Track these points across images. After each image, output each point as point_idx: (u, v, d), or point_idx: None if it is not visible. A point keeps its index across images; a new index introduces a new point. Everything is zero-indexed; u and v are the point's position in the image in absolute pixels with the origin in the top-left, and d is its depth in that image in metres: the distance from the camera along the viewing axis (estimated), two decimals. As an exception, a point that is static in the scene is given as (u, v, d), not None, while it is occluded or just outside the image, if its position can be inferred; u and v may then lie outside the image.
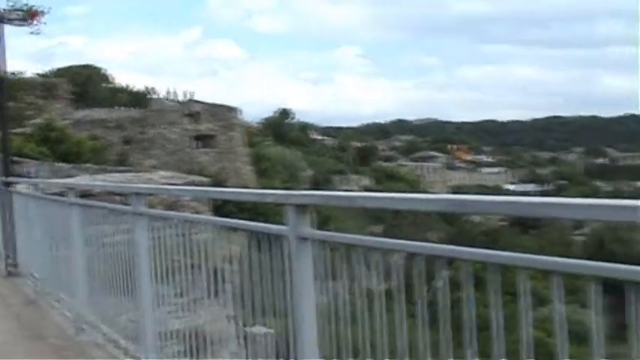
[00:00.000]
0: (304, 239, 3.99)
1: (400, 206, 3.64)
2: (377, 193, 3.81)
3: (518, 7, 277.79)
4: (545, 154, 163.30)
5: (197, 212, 12.57)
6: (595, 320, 2.47)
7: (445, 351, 3.15)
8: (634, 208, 2.28)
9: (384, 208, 3.70)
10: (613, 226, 66.55)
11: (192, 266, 5.90)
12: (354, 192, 3.70)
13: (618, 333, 2.48)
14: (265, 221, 4.69)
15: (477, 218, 78.63)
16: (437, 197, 3.34)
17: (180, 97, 60.58)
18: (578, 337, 2.80)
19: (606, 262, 2.43)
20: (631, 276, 2.32)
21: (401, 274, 3.37)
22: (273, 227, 4.37)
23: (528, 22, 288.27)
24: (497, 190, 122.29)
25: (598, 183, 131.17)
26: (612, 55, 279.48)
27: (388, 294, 3.51)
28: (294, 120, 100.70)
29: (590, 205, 2.46)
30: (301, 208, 4.02)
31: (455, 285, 3.06)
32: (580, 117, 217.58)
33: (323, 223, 4.16)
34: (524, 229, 76.08)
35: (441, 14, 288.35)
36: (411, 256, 3.30)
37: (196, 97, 58.45)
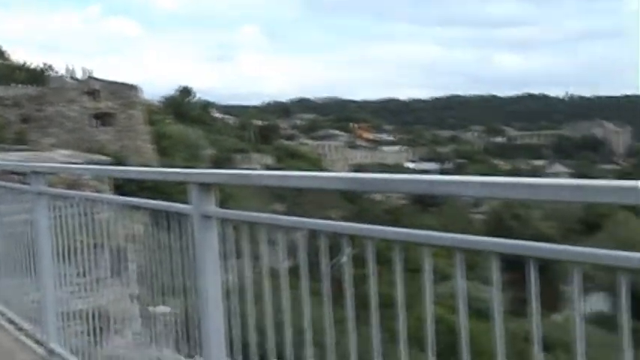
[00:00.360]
0: (208, 217, 3.98)
1: (303, 184, 3.68)
2: (280, 172, 3.85)
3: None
4: (446, 133, 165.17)
5: (98, 191, 12.41)
6: (495, 295, 2.53)
7: (349, 327, 3.19)
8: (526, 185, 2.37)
9: (287, 186, 3.72)
10: (510, 203, 67.82)
11: (95, 246, 5.85)
12: (250, 170, 3.68)
13: (518, 308, 2.55)
14: (167, 200, 4.67)
15: (378, 197, 79.25)
16: (338, 175, 3.39)
17: (80, 75, 59.67)
18: (480, 313, 2.87)
19: (506, 239, 2.51)
20: (529, 252, 2.39)
21: (304, 251, 3.41)
22: (177, 206, 4.36)
23: (424, 1, 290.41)
24: (398, 169, 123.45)
25: (496, 161, 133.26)
26: (509, 35, 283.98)
27: (292, 271, 3.55)
28: (196, 98, 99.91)
29: (484, 183, 2.53)
30: (205, 187, 4.01)
31: (359, 262, 3.11)
32: (479, 96, 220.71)
33: (224, 202, 4.16)
34: (425, 207, 77.02)
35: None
36: (313, 233, 3.35)
37: (96, 75, 57.66)
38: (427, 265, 2.85)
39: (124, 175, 7.12)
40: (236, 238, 3.89)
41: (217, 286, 4.00)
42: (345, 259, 3.22)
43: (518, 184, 2.42)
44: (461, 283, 2.71)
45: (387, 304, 3.17)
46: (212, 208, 4.00)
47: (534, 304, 2.44)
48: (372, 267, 3.09)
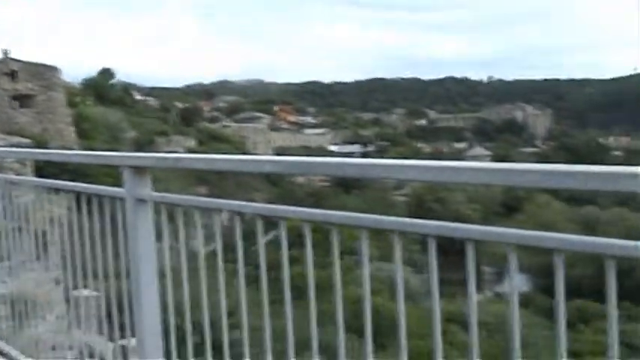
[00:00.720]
0: (143, 201, 3.98)
1: (234, 167, 3.70)
2: (211, 155, 3.85)
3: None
4: (368, 116, 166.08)
5: (19, 174, 12.24)
6: (434, 280, 2.57)
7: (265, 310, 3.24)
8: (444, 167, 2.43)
9: (217, 169, 3.74)
10: (432, 186, 68.56)
11: (16, 229, 5.79)
12: (183, 154, 3.68)
13: (440, 289, 2.58)
14: (91, 183, 4.65)
15: (300, 179, 79.47)
16: (266, 159, 3.42)
17: (-4, 56, 58.57)
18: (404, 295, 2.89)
19: (444, 222, 2.55)
20: (467, 234, 2.43)
21: (239, 233, 3.43)
22: (110, 189, 4.34)
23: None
24: (321, 151, 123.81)
25: (419, 144, 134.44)
26: (427, 19, 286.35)
27: (226, 252, 3.57)
28: (117, 80, 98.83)
29: (404, 166, 2.58)
30: (139, 170, 4.01)
31: (295, 244, 3.14)
32: (402, 79, 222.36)
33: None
34: (347, 189, 77.38)
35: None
36: (239, 215, 3.39)
37: (14, 56, 56.62)
38: (364, 249, 2.86)
39: (56, 158, 6.99)
40: (169, 221, 3.89)
41: (152, 270, 3.99)
42: (266, 239, 3.26)
43: (440, 167, 2.47)
44: (400, 267, 2.74)
45: (319, 286, 3.20)
46: (146, 191, 3.98)
47: (472, 288, 2.49)
48: (284, 249, 3.13)
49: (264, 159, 3.45)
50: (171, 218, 3.83)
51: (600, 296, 2.14)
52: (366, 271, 2.84)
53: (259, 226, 3.26)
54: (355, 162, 2.86)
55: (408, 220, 2.69)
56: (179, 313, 3.85)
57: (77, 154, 5.71)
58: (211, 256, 3.52)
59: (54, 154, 7.37)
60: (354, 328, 3.23)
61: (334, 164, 3.01)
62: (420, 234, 2.60)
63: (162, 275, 3.99)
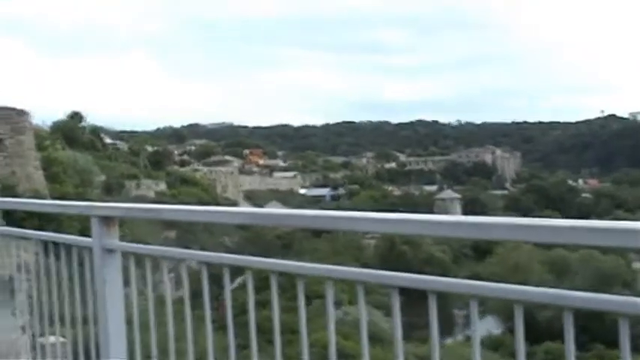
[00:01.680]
0: (111, 251, 4.01)
1: (204, 219, 3.76)
2: (179, 206, 3.91)
3: (304, 12, 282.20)
4: (338, 159, 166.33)
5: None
6: (397, 329, 2.64)
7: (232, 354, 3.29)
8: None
9: (186, 220, 3.80)
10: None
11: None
12: (151, 204, 3.64)
13: (410, 332, 2.66)
14: (58, 228, 4.69)
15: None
16: (238, 211, 3.51)
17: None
18: (373, 337, 2.98)
19: (405, 273, 2.63)
20: (430, 286, 2.52)
21: (205, 283, 3.49)
22: (78, 239, 4.35)
23: (315, 27, 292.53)
24: (291, 195, 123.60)
25: (389, 187, 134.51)
26: (394, 62, 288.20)
27: (195, 297, 3.63)
28: (86, 123, 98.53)
29: (375, 220, 2.66)
30: (107, 220, 4.04)
31: (263, 287, 3.20)
32: (371, 122, 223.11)
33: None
34: (317, 233, 77.28)
35: (225, 16, 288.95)
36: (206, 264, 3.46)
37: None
38: (329, 299, 2.93)
39: (25, 207, 6.98)
40: (138, 266, 3.93)
41: (120, 317, 4.01)
42: (234, 286, 3.32)
43: (409, 220, 2.56)
44: (364, 314, 2.82)
45: (287, 330, 3.28)
46: (114, 241, 4.01)
47: (435, 335, 2.57)
48: (251, 298, 3.19)
49: (232, 210, 3.55)
50: (140, 264, 3.87)
51: (576, 337, 2.22)
52: (331, 318, 2.92)
53: (227, 276, 3.32)
54: (324, 215, 2.94)
55: (372, 271, 2.76)
56: (147, 358, 3.88)
57: (47, 204, 5.72)
58: (179, 302, 3.58)
59: (24, 203, 7.36)
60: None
61: (303, 217, 3.09)
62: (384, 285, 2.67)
63: (130, 322, 4.02)
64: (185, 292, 3.60)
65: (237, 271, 3.30)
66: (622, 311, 2.10)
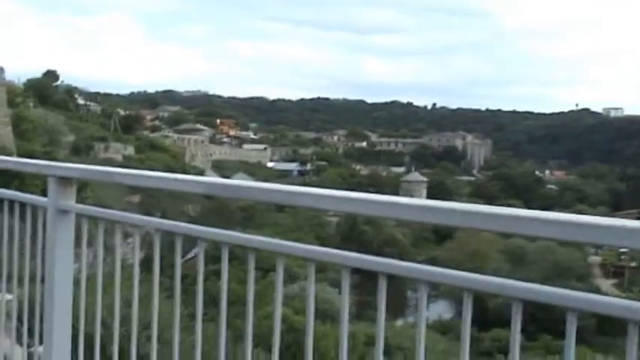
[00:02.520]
0: (65, 212, 3.97)
1: (160, 185, 3.72)
2: (139, 171, 3.89)
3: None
4: (309, 135, 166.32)
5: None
6: (344, 307, 2.65)
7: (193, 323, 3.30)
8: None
9: (144, 186, 3.77)
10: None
11: None
12: (111, 168, 3.58)
13: (362, 312, 2.67)
14: (20, 186, 4.64)
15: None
16: (196, 179, 3.47)
17: None
18: (325, 314, 2.98)
19: (357, 253, 2.64)
20: (381, 268, 2.52)
21: (157, 248, 3.49)
22: (33, 198, 4.32)
23: (300, 3, 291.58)
24: (259, 167, 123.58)
25: (357, 166, 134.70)
26: (378, 42, 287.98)
27: (144, 265, 3.63)
28: (61, 83, 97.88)
29: (338, 198, 2.66)
30: (64, 181, 4.00)
31: (215, 258, 3.20)
32: (346, 100, 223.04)
33: (81, 189, 4.16)
34: (280, 207, 77.16)
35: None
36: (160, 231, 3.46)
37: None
38: (279, 274, 2.93)
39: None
40: (90, 231, 3.92)
41: (68, 279, 3.98)
42: (191, 255, 3.32)
43: (369, 200, 2.56)
44: (312, 292, 2.82)
45: (234, 302, 3.28)
46: (70, 203, 3.97)
47: (382, 317, 2.58)
48: (200, 267, 3.20)
49: (189, 179, 3.50)
50: (95, 227, 3.86)
51: (525, 326, 2.24)
52: (279, 292, 2.92)
53: (178, 245, 3.32)
54: (282, 189, 2.93)
55: (324, 249, 2.76)
56: (91, 323, 3.87)
57: (4, 160, 5.65)
58: (130, 268, 3.57)
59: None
60: (268, 346, 3.31)
61: (261, 190, 3.07)
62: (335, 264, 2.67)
63: (77, 285, 4.01)
64: (135, 258, 3.59)
65: (192, 241, 3.30)
66: (570, 306, 2.12)
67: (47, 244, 4.07)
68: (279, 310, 2.91)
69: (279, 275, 2.89)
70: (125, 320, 3.61)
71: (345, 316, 2.64)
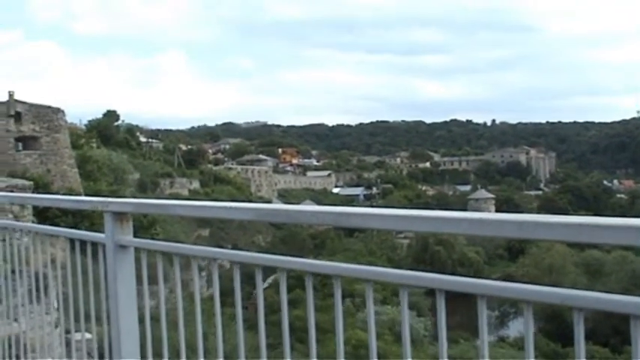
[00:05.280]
0: (123, 247, 3.94)
1: (215, 214, 3.62)
2: (190, 202, 3.80)
3: (333, 13, 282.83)
4: (372, 158, 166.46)
5: (17, 217, 12.22)
6: (440, 327, 2.52)
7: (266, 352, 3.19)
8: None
9: (199, 216, 3.69)
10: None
11: (13, 272, 5.74)
12: (165, 200, 3.53)
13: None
14: (92, 225, 4.60)
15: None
16: (248, 206, 3.33)
17: (2, 98, 58.85)
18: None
19: (419, 272, 2.52)
20: (480, 290, 2.38)
21: (223, 279, 3.38)
22: (92, 234, 4.29)
23: (344, 28, 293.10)
24: (325, 193, 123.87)
25: (422, 187, 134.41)
26: (428, 62, 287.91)
27: (211, 298, 3.52)
28: (122, 122, 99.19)
29: (401, 217, 2.53)
30: (120, 216, 3.97)
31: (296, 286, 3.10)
32: (404, 122, 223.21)
33: (150, 226, 4.12)
34: (350, 231, 76.98)
35: (259, 17, 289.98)
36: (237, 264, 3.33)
37: (19, 98, 56.87)
38: (369, 302, 2.81)
39: (39, 202, 6.98)
40: (152, 264, 3.84)
41: (133, 315, 3.93)
42: (265, 285, 3.19)
43: (439, 217, 2.44)
44: (406, 319, 2.69)
45: (319, 328, 3.16)
46: (127, 237, 3.93)
47: (485, 339, 2.46)
48: (283, 299, 3.06)
49: (247, 207, 3.37)
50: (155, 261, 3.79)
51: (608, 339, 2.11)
52: (371, 321, 2.79)
53: (259, 277, 3.18)
54: (355, 211, 2.80)
55: (415, 273, 2.63)
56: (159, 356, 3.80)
57: (62, 199, 5.62)
58: (209, 300, 3.47)
59: (40, 198, 7.31)
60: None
61: (332, 214, 2.94)
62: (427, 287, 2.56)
63: (143, 319, 3.96)
64: (215, 291, 3.47)
65: (269, 269, 3.18)
66: (633, 313, 2.01)
67: (109, 280, 4.02)
68: (373, 335, 2.79)
69: (369, 300, 2.75)
70: (194, 353, 3.50)
71: (444, 339, 2.51)
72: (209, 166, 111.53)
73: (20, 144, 52.17)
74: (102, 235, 4.06)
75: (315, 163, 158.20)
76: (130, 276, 3.96)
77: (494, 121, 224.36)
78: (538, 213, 2.63)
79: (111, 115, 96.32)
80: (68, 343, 5.05)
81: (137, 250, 3.93)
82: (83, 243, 4.45)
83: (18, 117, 52.44)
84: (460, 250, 76.78)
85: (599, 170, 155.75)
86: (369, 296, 2.70)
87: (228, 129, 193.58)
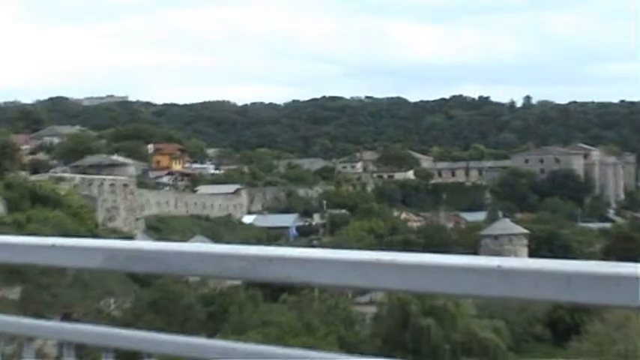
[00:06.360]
0: None
1: (26, 260, 3.62)
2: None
3: None
4: (313, 162, 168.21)
5: None
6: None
7: None
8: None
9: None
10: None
11: None
12: None
13: None
14: None
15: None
16: (91, 245, 3.27)
17: None
18: None
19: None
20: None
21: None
22: None
23: None
24: (230, 225, 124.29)
25: (401, 213, 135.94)
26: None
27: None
28: None
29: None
30: None
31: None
32: (370, 99, 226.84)
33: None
34: (274, 292, 77.62)
35: None
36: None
37: None
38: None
39: None
40: None
41: None
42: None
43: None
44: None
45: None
46: None
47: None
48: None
49: (91, 245, 3.29)
50: None
51: None
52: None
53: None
54: (283, 255, 2.73)
55: None
56: None
57: None
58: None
59: None
60: None
61: (243, 258, 2.87)
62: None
63: None
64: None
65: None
66: None
67: None
68: None
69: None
70: None
71: None
72: (22, 173, 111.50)
73: None
74: None
75: (211, 170, 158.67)
76: None
77: (528, 98, 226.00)
78: (604, 260, 2.61)
79: None
80: None
81: None
82: None
83: None
84: (466, 327, 77.49)
85: None
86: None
87: (58, 108, 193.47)
